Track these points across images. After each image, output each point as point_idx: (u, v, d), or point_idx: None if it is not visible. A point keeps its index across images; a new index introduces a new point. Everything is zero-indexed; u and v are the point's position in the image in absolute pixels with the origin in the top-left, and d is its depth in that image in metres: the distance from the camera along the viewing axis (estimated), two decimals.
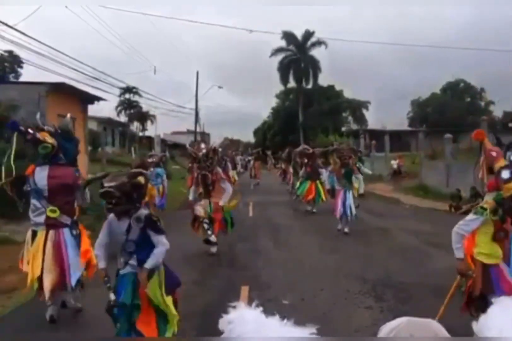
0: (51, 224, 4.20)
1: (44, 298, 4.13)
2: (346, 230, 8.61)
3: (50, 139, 4.22)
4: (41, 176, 4.19)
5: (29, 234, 4.33)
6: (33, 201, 4.23)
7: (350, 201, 8.64)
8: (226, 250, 7.55)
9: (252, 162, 23.39)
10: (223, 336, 1.34)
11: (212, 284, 5.48)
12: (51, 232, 4.21)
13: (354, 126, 44.53)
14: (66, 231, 4.26)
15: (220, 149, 13.71)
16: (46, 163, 4.23)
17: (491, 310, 1.35)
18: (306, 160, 12.26)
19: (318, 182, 11.73)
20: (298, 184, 12.87)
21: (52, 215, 4.17)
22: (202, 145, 7.78)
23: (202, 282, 5.71)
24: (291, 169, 16.51)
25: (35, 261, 4.15)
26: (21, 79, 27.89)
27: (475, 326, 1.32)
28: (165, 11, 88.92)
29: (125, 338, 3.25)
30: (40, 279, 4.10)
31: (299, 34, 41.65)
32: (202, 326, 4.17)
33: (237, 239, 8.48)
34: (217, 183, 7.09)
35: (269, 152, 31.54)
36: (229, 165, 15.10)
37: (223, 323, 1.35)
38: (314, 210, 11.94)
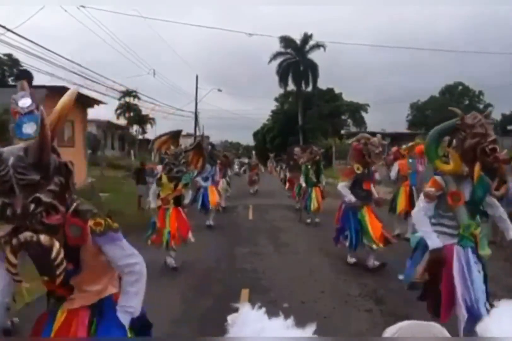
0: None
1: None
2: None
3: None
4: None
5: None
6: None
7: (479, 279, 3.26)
8: (225, 253, 7.54)
9: (247, 167, 23.14)
10: (225, 336, 1.34)
11: (211, 287, 5.46)
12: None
13: (354, 129, 44.65)
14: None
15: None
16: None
17: (493, 313, 1.36)
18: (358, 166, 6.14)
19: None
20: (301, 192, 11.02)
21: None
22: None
23: (202, 285, 5.70)
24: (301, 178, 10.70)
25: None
26: None
27: (478, 328, 1.32)
28: (163, 14, 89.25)
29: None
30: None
31: (297, 37, 41.88)
32: (202, 330, 4.15)
33: (236, 242, 8.49)
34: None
35: (272, 155, 31.34)
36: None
37: (229, 322, 1.36)
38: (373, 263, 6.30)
